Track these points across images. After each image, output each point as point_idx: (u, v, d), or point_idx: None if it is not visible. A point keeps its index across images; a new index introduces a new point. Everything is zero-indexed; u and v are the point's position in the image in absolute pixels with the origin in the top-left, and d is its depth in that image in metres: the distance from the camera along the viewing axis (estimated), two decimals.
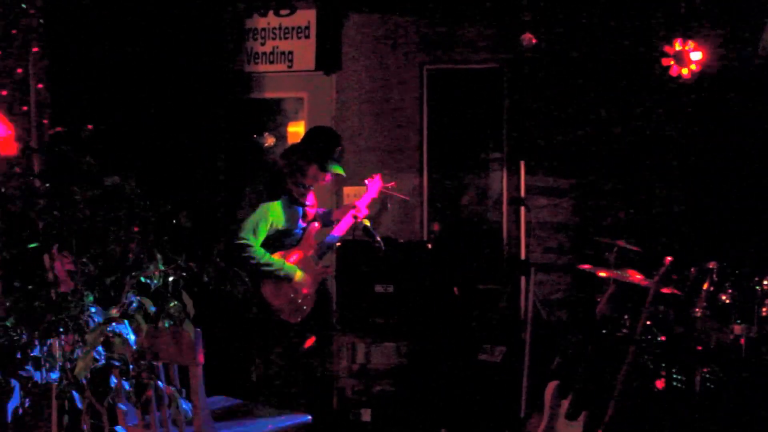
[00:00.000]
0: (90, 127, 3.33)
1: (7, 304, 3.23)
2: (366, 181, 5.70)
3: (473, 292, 6.45)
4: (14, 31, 3.27)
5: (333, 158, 5.28)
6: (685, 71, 6.15)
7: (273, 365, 6.43)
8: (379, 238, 5.38)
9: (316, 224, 5.46)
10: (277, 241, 5.29)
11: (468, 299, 6.36)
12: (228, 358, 6.29)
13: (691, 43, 6.15)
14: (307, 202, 5.41)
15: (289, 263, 5.26)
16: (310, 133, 5.44)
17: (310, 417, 4.56)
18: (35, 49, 3.23)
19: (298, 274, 5.25)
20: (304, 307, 5.32)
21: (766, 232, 6.06)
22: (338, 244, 5.66)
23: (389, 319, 6.21)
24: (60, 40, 3.65)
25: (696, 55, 6.13)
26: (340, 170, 5.35)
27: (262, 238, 5.19)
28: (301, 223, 5.41)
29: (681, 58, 6.13)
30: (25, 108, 3.63)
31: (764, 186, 6.25)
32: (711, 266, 5.19)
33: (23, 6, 3.25)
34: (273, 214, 5.23)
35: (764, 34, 6.06)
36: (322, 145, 5.28)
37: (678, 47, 6.16)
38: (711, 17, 6.27)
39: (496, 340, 6.11)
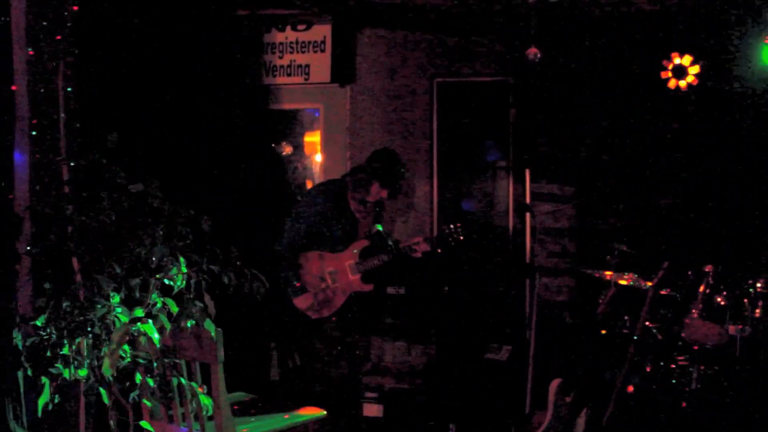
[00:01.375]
0: (116, 136, 3.32)
1: (38, 304, 3.23)
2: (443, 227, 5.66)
3: (481, 294, 6.43)
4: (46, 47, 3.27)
5: (393, 176, 5.32)
6: (682, 84, 6.13)
7: (291, 363, 6.44)
8: (390, 242, 5.37)
9: (366, 241, 5.45)
10: (320, 241, 5.32)
11: (476, 301, 6.34)
12: (248, 356, 6.29)
13: (688, 58, 6.13)
14: (361, 218, 5.44)
15: (303, 281, 5.30)
16: (374, 154, 5.48)
17: (325, 412, 4.55)
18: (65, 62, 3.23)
19: (297, 299, 5.28)
20: (324, 310, 5.32)
21: (758, 237, 6.03)
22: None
23: (401, 320, 6.21)
24: (88, 53, 3.65)
25: (693, 69, 6.11)
26: (399, 188, 5.41)
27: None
28: (355, 237, 5.43)
29: (679, 72, 6.11)
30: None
31: (757, 193, 6.23)
32: (707, 270, 5.17)
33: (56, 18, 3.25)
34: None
35: (754, 52, 6.04)
36: (384, 165, 5.32)
37: (676, 61, 6.14)
38: (708, 33, 6.24)
39: (502, 339, 6.08)
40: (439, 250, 5.44)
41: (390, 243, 5.33)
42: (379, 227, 5.40)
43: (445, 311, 6.19)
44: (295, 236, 5.31)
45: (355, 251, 5.39)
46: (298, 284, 5.28)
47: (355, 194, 5.38)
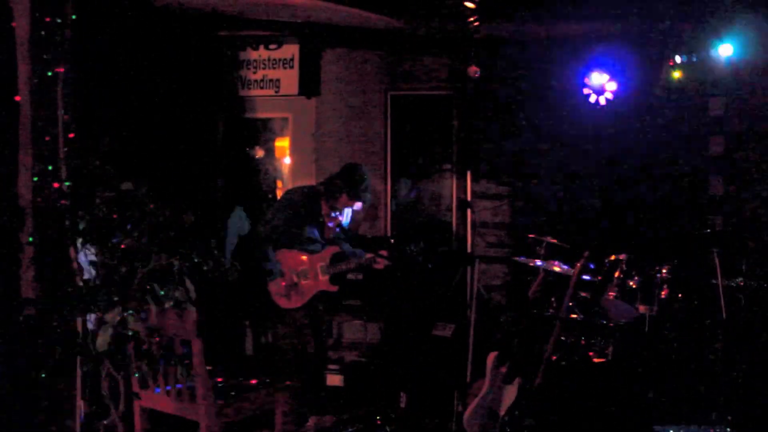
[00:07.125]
0: (108, 140, 3.31)
1: (39, 288, 3.21)
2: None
3: (429, 280, 6.47)
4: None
5: (360, 189, 5.31)
6: (601, 99, 6.19)
7: (264, 339, 6.43)
8: (357, 251, 5.43)
9: (337, 248, 5.45)
10: (291, 235, 5.31)
11: (424, 285, 6.38)
12: (226, 334, 6.27)
13: (606, 76, 6.20)
14: (329, 224, 5.43)
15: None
16: (345, 168, 5.45)
17: (292, 382, 4.57)
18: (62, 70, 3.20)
19: (271, 282, 5.28)
20: (293, 300, 5.29)
21: (664, 231, 6.15)
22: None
23: (359, 302, 6.23)
24: (85, 67, 3.63)
25: (610, 86, 6.19)
26: (364, 200, 5.40)
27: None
28: (321, 239, 5.42)
29: (598, 89, 6.18)
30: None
31: (663, 195, 6.35)
32: (621, 258, 5.24)
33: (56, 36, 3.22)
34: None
35: (662, 71, 6.14)
36: (352, 178, 5.31)
37: (596, 79, 6.20)
38: (623, 56, 6.33)
39: (447, 318, 6.12)
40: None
41: (357, 251, 5.38)
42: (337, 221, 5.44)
43: (398, 295, 6.22)
44: (272, 230, 5.29)
45: (327, 255, 5.38)
46: (272, 269, 5.26)
47: (327, 201, 5.38)
